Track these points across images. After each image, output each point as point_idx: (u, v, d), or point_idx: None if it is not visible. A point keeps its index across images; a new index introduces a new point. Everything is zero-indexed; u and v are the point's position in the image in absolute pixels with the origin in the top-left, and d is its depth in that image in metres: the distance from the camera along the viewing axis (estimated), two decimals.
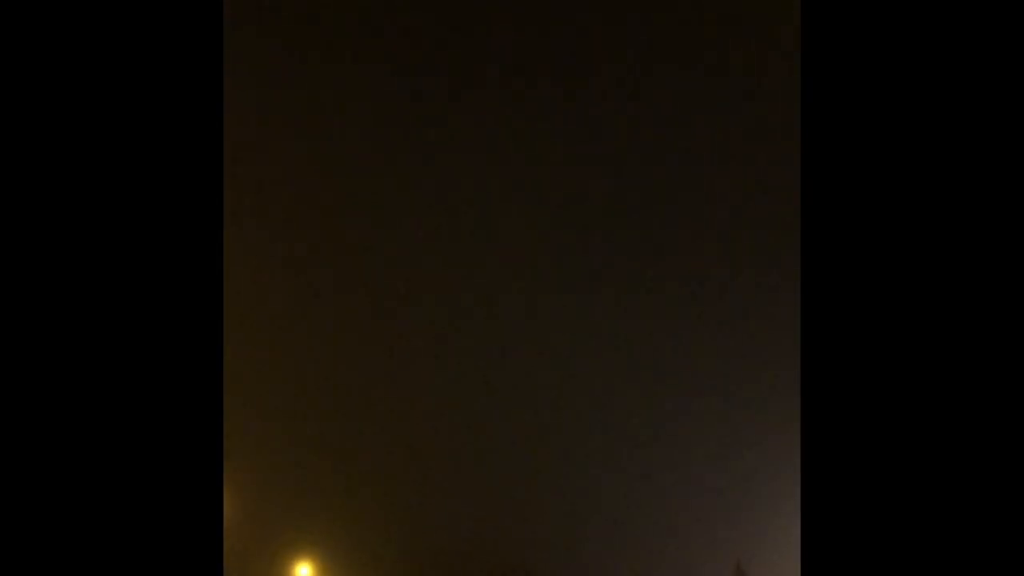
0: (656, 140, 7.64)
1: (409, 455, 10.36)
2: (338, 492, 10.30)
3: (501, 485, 10.37)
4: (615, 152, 7.74)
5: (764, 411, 9.31)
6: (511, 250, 8.41)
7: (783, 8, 6.84)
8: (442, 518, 10.36)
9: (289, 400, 9.62)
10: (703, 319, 8.65)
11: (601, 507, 9.86)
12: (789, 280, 8.59)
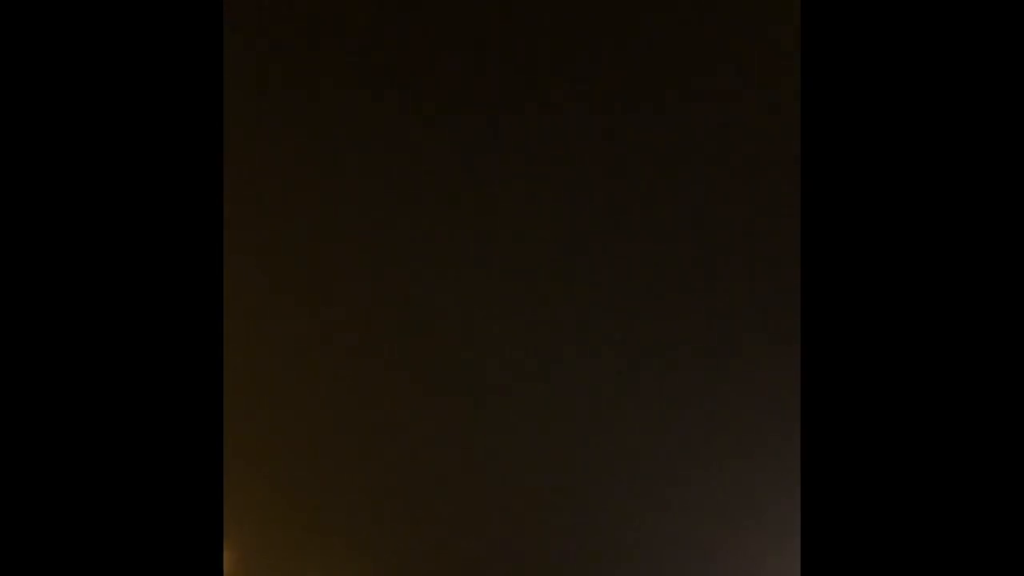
0: (657, 143, 7.62)
1: (418, 506, 10.38)
2: (343, 541, 10.31)
3: (518, 533, 10.39)
4: (615, 157, 7.74)
5: (767, 427, 9.34)
6: (513, 267, 8.42)
7: (783, 8, 6.85)
8: (453, 562, 10.42)
9: (293, 439, 9.60)
10: (707, 327, 8.67)
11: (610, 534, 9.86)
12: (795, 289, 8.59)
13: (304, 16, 6.70)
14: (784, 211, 7.76)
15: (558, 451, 9.88)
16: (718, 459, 9.68)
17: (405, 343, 9.23)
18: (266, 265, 8.85)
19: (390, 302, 9.08)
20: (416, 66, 7.06)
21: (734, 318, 9.08)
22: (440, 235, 8.39)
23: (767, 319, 8.92)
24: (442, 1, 6.40)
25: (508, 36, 6.60)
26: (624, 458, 9.78)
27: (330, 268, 8.78)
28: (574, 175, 7.95)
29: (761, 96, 6.40)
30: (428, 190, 8.11)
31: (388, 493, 9.99)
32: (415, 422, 9.82)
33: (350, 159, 7.95)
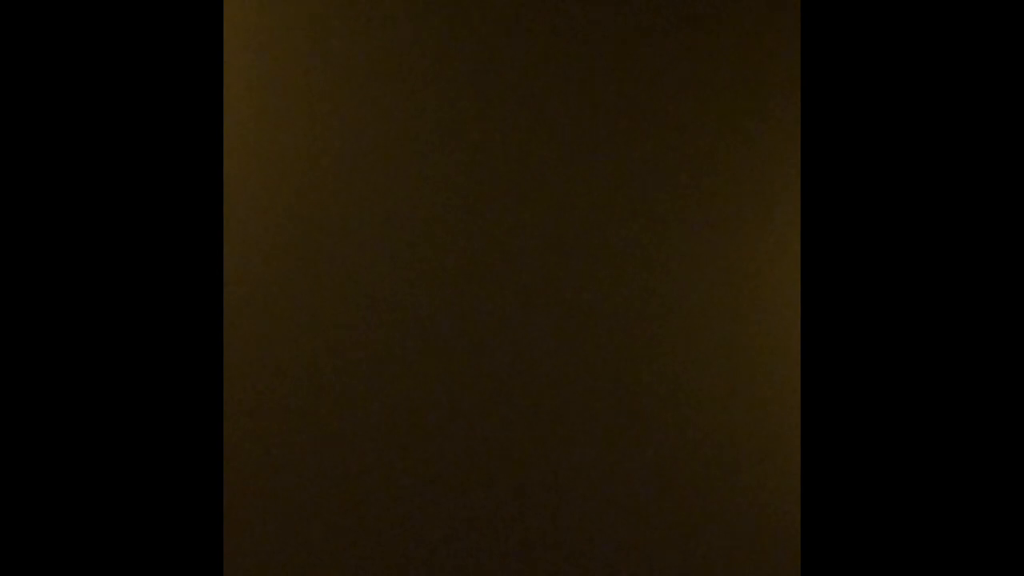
0: (652, 145, 7.45)
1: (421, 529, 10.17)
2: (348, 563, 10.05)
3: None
4: (616, 159, 7.55)
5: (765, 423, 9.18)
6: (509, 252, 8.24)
7: (783, 8, 6.79)
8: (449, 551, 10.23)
9: (293, 464, 9.46)
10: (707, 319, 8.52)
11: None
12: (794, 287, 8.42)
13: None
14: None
15: None
16: None
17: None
18: None
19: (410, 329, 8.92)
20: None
21: None
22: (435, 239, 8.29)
23: None
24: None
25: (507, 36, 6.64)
26: None
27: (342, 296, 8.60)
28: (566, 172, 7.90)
29: (761, 97, 6.49)
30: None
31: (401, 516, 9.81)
32: None
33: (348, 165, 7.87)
